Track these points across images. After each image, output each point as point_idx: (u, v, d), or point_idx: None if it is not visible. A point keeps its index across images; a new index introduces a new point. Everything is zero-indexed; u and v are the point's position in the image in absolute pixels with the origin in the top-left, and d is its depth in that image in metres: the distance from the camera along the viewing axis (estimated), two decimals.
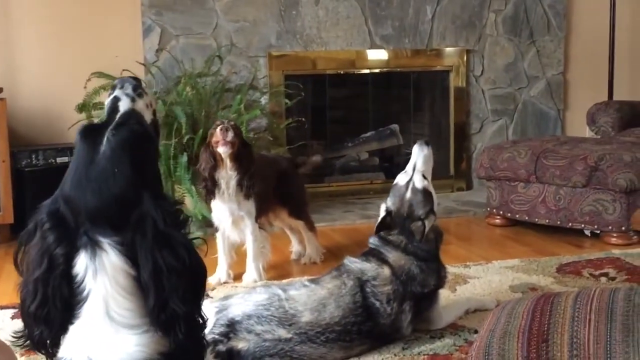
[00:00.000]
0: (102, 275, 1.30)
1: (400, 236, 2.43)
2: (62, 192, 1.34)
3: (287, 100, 4.48)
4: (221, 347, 2.12)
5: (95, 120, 3.99)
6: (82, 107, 4.03)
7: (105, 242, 1.30)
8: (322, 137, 5.05)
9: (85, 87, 4.09)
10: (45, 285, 1.31)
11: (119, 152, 1.32)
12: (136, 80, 1.46)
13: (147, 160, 1.38)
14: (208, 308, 2.34)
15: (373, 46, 4.88)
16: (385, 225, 2.45)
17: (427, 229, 2.40)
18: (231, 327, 2.16)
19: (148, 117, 1.44)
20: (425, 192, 2.45)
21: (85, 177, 1.32)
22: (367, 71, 5.03)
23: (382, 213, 2.48)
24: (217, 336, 2.14)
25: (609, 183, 3.63)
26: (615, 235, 3.68)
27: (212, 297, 2.85)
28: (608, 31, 5.15)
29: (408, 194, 2.44)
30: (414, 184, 2.45)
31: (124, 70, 4.13)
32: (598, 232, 3.75)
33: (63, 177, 1.36)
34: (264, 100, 4.54)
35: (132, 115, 1.40)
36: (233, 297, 2.31)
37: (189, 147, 3.89)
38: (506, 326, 1.62)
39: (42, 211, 1.34)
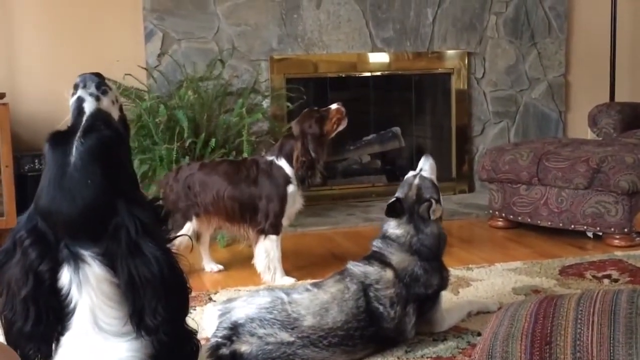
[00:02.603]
0: (87, 287, 1.28)
1: (407, 226, 2.44)
2: (38, 207, 1.31)
3: (288, 104, 4.48)
4: (224, 350, 2.12)
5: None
6: None
7: (86, 254, 1.28)
8: (328, 144, 5.03)
9: None
10: (35, 303, 1.29)
11: (89, 161, 1.28)
12: (98, 77, 1.40)
13: (119, 165, 1.33)
14: (211, 311, 2.35)
15: (374, 49, 4.89)
16: (395, 210, 2.47)
17: (433, 208, 2.43)
18: (234, 330, 2.16)
19: (115, 113, 1.39)
20: (432, 182, 2.52)
21: (59, 190, 1.28)
22: (368, 74, 5.03)
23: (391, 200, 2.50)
24: (220, 339, 2.15)
25: (611, 185, 3.63)
26: (617, 237, 3.67)
27: (215, 301, 2.85)
28: (609, 33, 5.14)
29: (416, 181, 2.50)
30: (422, 174, 2.52)
31: (126, 74, 4.15)
32: (600, 234, 3.75)
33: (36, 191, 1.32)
34: (265, 103, 4.54)
35: (99, 116, 1.34)
36: (236, 300, 2.31)
37: (191, 150, 3.90)
38: (509, 329, 1.63)
39: (20, 228, 1.31)
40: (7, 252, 1.32)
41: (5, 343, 1.34)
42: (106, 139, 1.32)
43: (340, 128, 3.27)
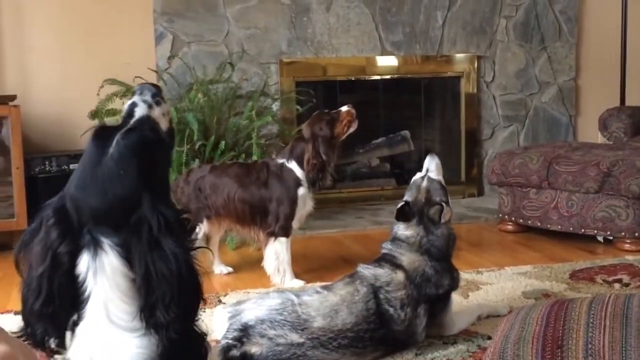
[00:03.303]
0: (102, 277, 1.30)
1: (417, 228, 2.44)
2: (68, 190, 1.35)
3: (298, 107, 4.49)
4: (234, 352, 2.12)
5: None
6: (94, 114, 4.06)
7: (105, 242, 1.31)
8: (339, 147, 5.03)
9: (98, 94, 4.12)
10: (50, 283, 1.31)
11: (126, 155, 1.33)
12: (156, 88, 1.47)
13: (155, 166, 1.38)
14: (221, 314, 2.35)
15: (384, 52, 4.89)
16: (404, 214, 2.46)
17: (444, 212, 2.42)
18: (244, 332, 2.16)
19: (164, 124, 1.45)
20: (441, 184, 2.51)
21: (90, 177, 1.33)
22: (377, 77, 5.04)
23: (400, 203, 2.49)
24: (230, 341, 2.15)
25: (621, 189, 3.61)
26: (628, 241, 3.66)
27: (224, 303, 2.85)
28: (620, 36, 5.13)
29: (425, 183, 2.49)
30: (429, 176, 2.51)
31: (136, 77, 4.16)
32: (611, 238, 3.74)
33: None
34: (275, 106, 4.55)
35: (146, 121, 1.41)
36: (246, 302, 2.31)
37: (200, 153, 3.91)
38: (520, 332, 1.62)
39: (48, 207, 1.35)
40: (33, 231, 1.35)
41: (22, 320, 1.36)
42: (147, 140, 1.37)
43: (351, 130, 3.27)
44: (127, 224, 1.31)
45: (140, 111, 1.42)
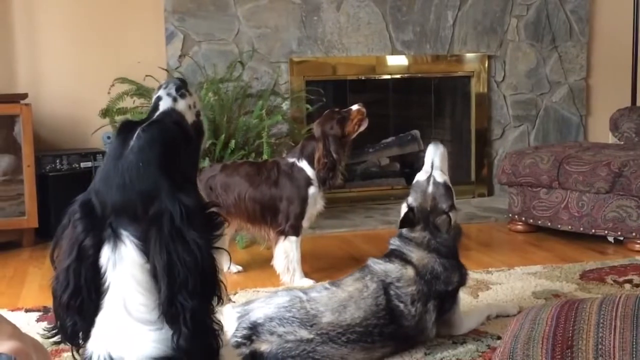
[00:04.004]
0: (121, 268, 1.32)
1: (423, 232, 2.43)
2: (94, 184, 1.37)
3: (308, 106, 4.49)
4: (244, 350, 2.13)
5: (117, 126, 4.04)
6: (105, 113, 4.08)
7: (125, 234, 1.32)
8: (349, 146, 5.04)
9: (109, 93, 4.13)
10: (77, 275, 1.33)
11: (147, 147, 1.34)
12: (181, 82, 1.47)
13: (178, 159, 1.38)
14: (230, 313, 2.36)
15: (394, 52, 4.89)
16: (409, 221, 2.44)
17: (452, 221, 2.41)
18: (253, 330, 2.17)
19: (190, 117, 1.45)
20: (447, 186, 2.47)
21: (113, 171, 1.34)
22: (388, 77, 5.03)
23: (404, 210, 2.47)
24: (240, 339, 2.15)
25: (632, 189, 3.60)
26: (639, 241, 3.64)
27: (234, 302, 2.86)
28: (631, 36, 5.11)
29: (430, 188, 2.45)
30: (435, 179, 2.46)
31: (147, 76, 4.18)
32: (622, 238, 3.72)
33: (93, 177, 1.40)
34: (285, 105, 4.55)
35: (171, 114, 1.42)
36: (255, 302, 2.32)
37: (210, 152, 3.91)
38: (530, 332, 1.62)
39: (76, 202, 1.37)
40: (63, 227, 1.37)
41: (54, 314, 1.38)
42: (169, 131, 1.38)
43: (362, 129, 3.27)
44: (146, 215, 1.32)
45: (164, 104, 1.43)
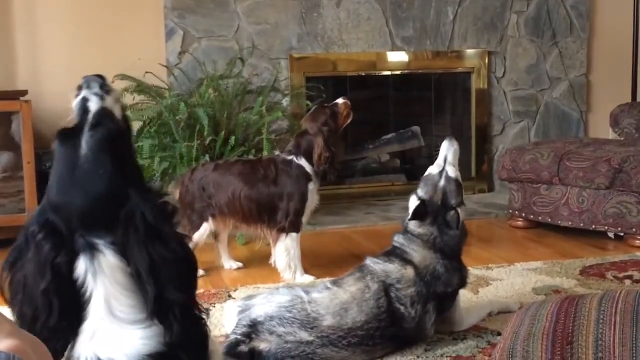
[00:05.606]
0: (102, 276, 1.31)
1: (431, 228, 2.41)
2: (49, 201, 1.34)
3: (308, 102, 4.48)
4: (243, 347, 2.13)
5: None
6: None
7: (100, 243, 1.32)
8: (342, 139, 5.04)
9: None
10: (58, 296, 1.31)
11: (100, 152, 1.33)
12: (101, 78, 1.45)
13: (127, 157, 1.39)
14: (231, 308, 2.36)
15: (394, 48, 4.88)
16: (420, 214, 2.42)
17: (461, 218, 2.40)
18: (253, 328, 2.17)
19: (118, 112, 1.44)
20: (458, 182, 2.45)
21: (70, 182, 1.32)
22: (388, 73, 5.03)
23: (414, 202, 2.43)
24: (239, 336, 2.15)
25: (632, 185, 3.60)
26: (639, 237, 3.64)
27: (234, 298, 2.86)
28: (631, 32, 5.10)
29: (442, 182, 2.43)
30: (447, 173, 2.45)
31: (146, 72, 4.18)
32: (622, 234, 3.72)
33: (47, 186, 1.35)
34: (285, 102, 4.55)
35: (104, 113, 1.40)
36: (256, 297, 2.31)
37: (210, 148, 3.91)
38: (530, 328, 1.62)
39: (31, 224, 1.34)
40: (20, 249, 1.35)
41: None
42: (114, 132, 1.37)
43: (348, 121, 3.33)
44: (117, 220, 1.31)
45: (94, 105, 1.40)
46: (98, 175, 1.31)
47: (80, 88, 1.43)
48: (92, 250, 1.31)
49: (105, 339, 1.31)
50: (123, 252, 1.32)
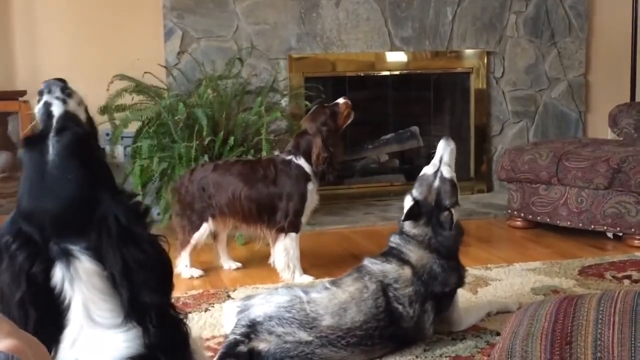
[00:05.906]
0: (79, 282, 1.30)
1: (425, 228, 2.41)
2: (21, 210, 1.33)
3: (307, 103, 4.48)
4: (242, 348, 2.13)
5: (116, 123, 4.03)
6: (104, 110, 4.07)
7: (75, 249, 1.30)
8: (341, 139, 5.04)
9: (107, 90, 4.12)
10: (34, 305, 1.30)
11: (67, 157, 1.31)
12: (62, 82, 1.44)
13: (95, 159, 1.37)
14: (230, 308, 2.36)
15: (393, 48, 4.88)
16: (414, 215, 2.42)
17: (454, 219, 2.40)
18: (252, 328, 2.17)
19: (82, 115, 1.43)
20: (453, 183, 2.44)
21: (40, 190, 1.31)
22: (387, 73, 5.03)
23: (409, 202, 2.43)
24: (238, 336, 2.15)
25: (631, 185, 3.60)
26: (638, 237, 3.64)
27: (233, 298, 2.86)
28: (630, 32, 5.10)
29: (436, 183, 2.43)
30: (442, 174, 2.44)
31: (145, 72, 4.17)
32: (620, 234, 3.73)
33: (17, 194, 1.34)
34: (284, 102, 4.55)
35: (68, 117, 1.38)
36: (255, 298, 2.31)
37: (209, 149, 3.91)
38: (529, 328, 1.62)
39: (3, 234, 1.32)
40: None
41: None
42: (80, 135, 1.36)
43: (349, 121, 3.32)
44: (90, 224, 1.31)
45: (57, 109, 1.39)
46: (67, 180, 1.30)
47: (41, 93, 1.41)
48: (67, 257, 1.30)
49: (87, 345, 1.29)
50: (98, 256, 1.30)
